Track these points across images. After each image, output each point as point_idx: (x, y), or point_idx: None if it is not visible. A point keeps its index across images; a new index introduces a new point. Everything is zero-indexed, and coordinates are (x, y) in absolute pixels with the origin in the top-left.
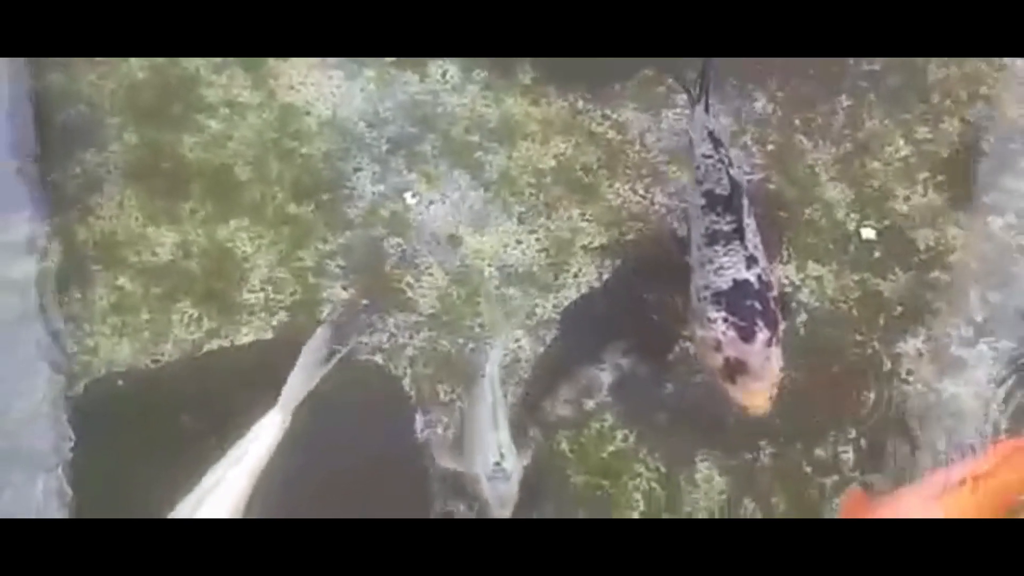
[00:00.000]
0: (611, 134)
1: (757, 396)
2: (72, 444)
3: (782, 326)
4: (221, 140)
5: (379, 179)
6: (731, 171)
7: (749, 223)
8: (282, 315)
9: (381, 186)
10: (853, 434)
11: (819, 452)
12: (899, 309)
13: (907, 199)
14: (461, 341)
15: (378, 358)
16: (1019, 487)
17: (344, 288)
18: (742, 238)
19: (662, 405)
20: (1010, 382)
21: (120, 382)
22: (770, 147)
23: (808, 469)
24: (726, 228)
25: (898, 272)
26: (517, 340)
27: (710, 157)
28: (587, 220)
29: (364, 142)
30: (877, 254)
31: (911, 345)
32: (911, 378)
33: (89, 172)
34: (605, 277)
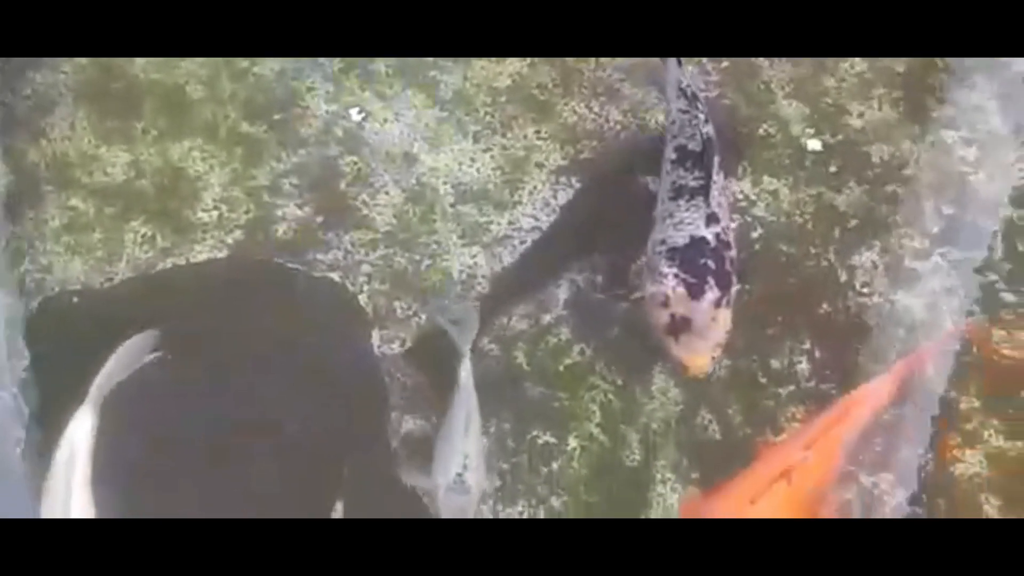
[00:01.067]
0: None
1: (698, 356)
2: (27, 362)
3: (735, 288)
4: (173, 60)
5: (332, 98)
6: (704, 128)
7: (716, 180)
8: (237, 234)
9: (335, 105)
10: (808, 345)
11: (774, 363)
12: (854, 222)
13: (862, 115)
14: (417, 258)
15: (334, 275)
16: (830, 474)
17: (299, 206)
18: (706, 195)
19: (618, 319)
20: (963, 293)
21: (74, 299)
22: (725, 64)
23: (763, 380)
24: (692, 184)
25: (853, 186)
26: (473, 256)
27: (685, 112)
28: (542, 138)
29: (317, 61)
30: (832, 168)
31: (866, 258)
32: (866, 290)
33: (40, 93)
34: (560, 194)
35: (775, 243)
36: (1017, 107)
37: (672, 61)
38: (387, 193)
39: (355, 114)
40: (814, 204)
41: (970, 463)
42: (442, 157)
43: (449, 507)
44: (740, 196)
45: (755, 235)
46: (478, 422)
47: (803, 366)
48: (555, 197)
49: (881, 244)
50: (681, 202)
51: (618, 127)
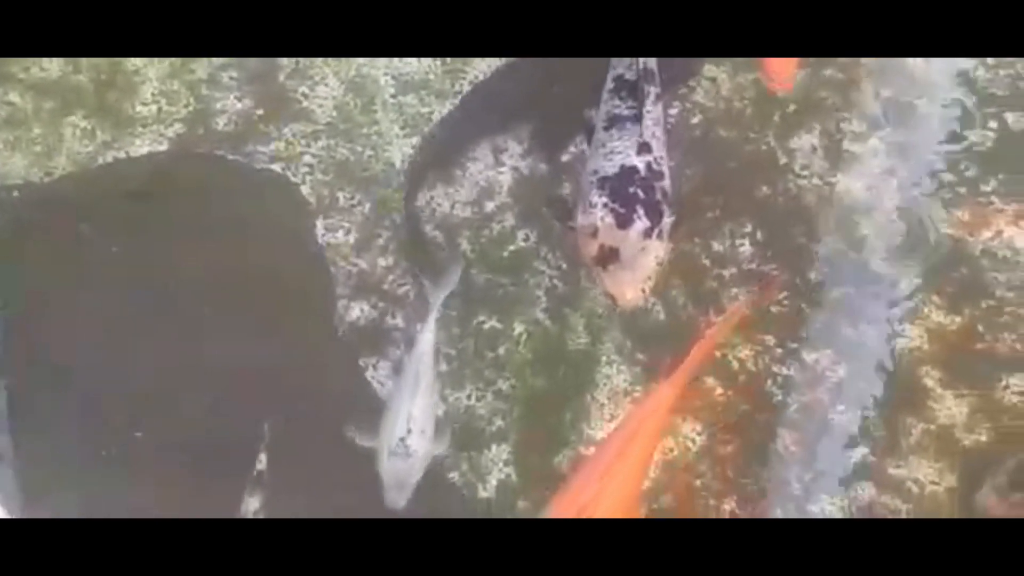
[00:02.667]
0: None
1: (628, 288)
2: None
3: (668, 219)
4: None
5: None
6: (643, 59)
7: (651, 111)
8: (177, 127)
9: None
10: (749, 228)
11: (716, 246)
12: (792, 107)
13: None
14: (359, 148)
15: (276, 167)
16: (657, 440)
17: (238, 99)
18: (639, 123)
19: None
20: (901, 173)
21: (16, 194)
22: None
23: (706, 262)
24: (625, 112)
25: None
26: (415, 146)
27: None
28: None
29: None
30: None
31: (805, 141)
32: (805, 173)
33: None
34: (504, 82)
35: (715, 128)
36: None
37: None
38: (327, 85)
39: None
40: (753, 89)
41: (911, 337)
42: None
43: (392, 471)
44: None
45: (695, 121)
46: (429, 385)
47: (745, 248)
48: (499, 84)
49: (820, 127)
50: (613, 131)
51: None
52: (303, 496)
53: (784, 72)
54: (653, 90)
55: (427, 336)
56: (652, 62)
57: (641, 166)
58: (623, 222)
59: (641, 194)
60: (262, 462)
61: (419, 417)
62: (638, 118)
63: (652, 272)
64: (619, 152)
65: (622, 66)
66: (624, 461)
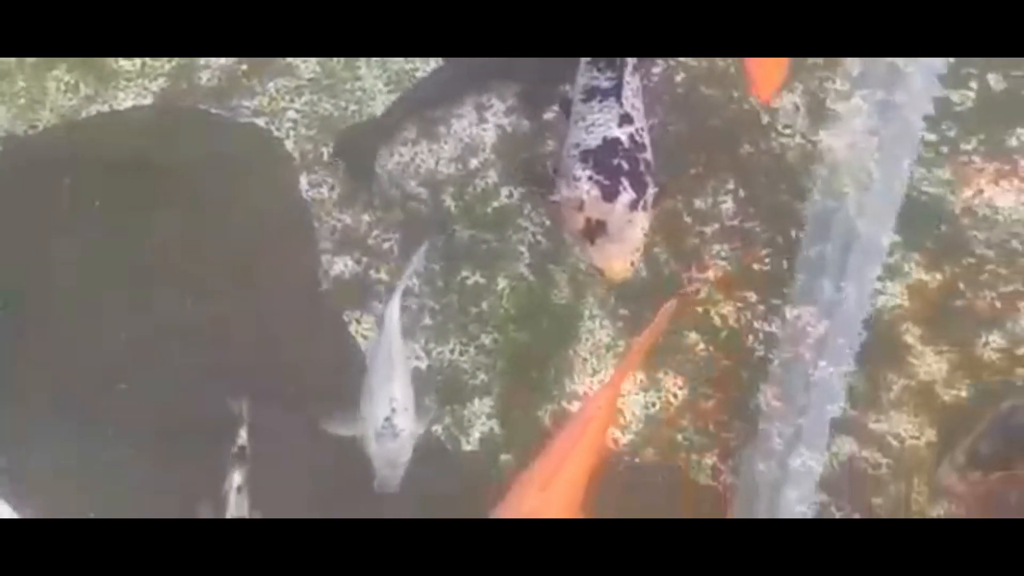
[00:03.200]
0: None
1: (616, 260)
2: None
3: (652, 190)
4: None
5: None
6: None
7: (630, 82)
8: (161, 81)
9: None
10: (731, 185)
11: (698, 203)
12: None
13: None
14: (343, 104)
15: (260, 121)
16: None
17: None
18: (619, 95)
19: (545, 162)
20: (883, 132)
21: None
22: None
23: (688, 219)
24: (604, 84)
25: None
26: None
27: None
28: None
29: None
30: None
31: (787, 100)
32: (788, 131)
33: None
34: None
35: (698, 86)
36: None
37: None
38: None
39: None
40: None
41: (891, 295)
42: None
43: (381, 453)
44: None
45: (679, 79)
46: (403, 364)
47: (727, 205)
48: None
49: (803, 86)
50: (593, 104)
51: None
52: (287, 469)
53: (769, 84)
54: (631, 60)
55: (394, 313)
56: None
57: (624, 138)
58: (609, 195)
59: (625, 166)
60: (242, 438)
61: (400, 396)
62: (618, 89)
63: (639, 243)
64: (601, 124)
65: None
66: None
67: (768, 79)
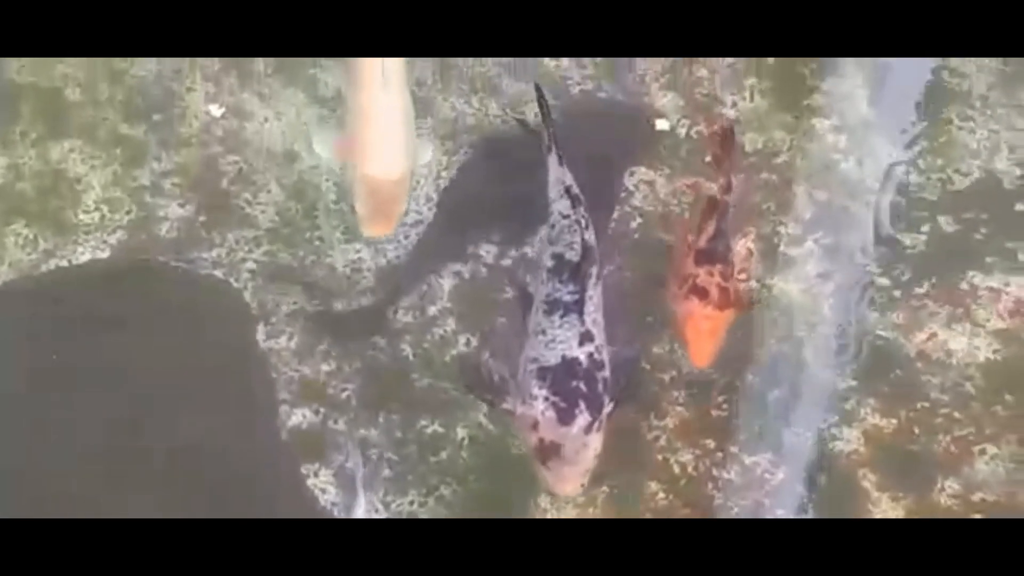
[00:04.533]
0: None
1: (568, 483)
2: None
3: (608, 409)
4: (50, 63)
5: (212, 98)
6: (585, 234)
7: (592, 296)
8: (119, 234)
9: (222, 104)
10: None
11: (656, 350)
12: (729, 211)
13: (735, 104)
14: (301, 254)
15: (218, 273)
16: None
17: (181, 206)
18: (581, 312)
19: (502, 309)
20: (837, 276)
21: None
22: (599, 58)
23: (646, 366)
24: (567, 298)
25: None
26: (357, 252)
27: (566, 216)
28: (422, 133)
29: (196, 61)
30: (707, 158)
31: (741, 244)
32: (742, 276)
33: None
34: (442, 188)
35: (653, 232)
36: (885, 94)
37: (554, 159)
38: (269, 191)
39: (215, 109)
40: (690, 194)
41: (848, 440)
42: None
43: None
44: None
45: (634, 225)
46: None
47: (683, 354)
48: (436, 191)
49: (756, 231)
50: (555, 318)
51: (498, 121)
52: None
53: (703, 351)
54: (594, 270)
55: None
56: (592, 237)
57: (583, 357)
58: (565, 418)
59: (583, 387)
60: None
61: None
62: (580, 304)
63: (592, 463)
64: (561, 342)
65: (561, 243)
66: None
67: (704, 349)
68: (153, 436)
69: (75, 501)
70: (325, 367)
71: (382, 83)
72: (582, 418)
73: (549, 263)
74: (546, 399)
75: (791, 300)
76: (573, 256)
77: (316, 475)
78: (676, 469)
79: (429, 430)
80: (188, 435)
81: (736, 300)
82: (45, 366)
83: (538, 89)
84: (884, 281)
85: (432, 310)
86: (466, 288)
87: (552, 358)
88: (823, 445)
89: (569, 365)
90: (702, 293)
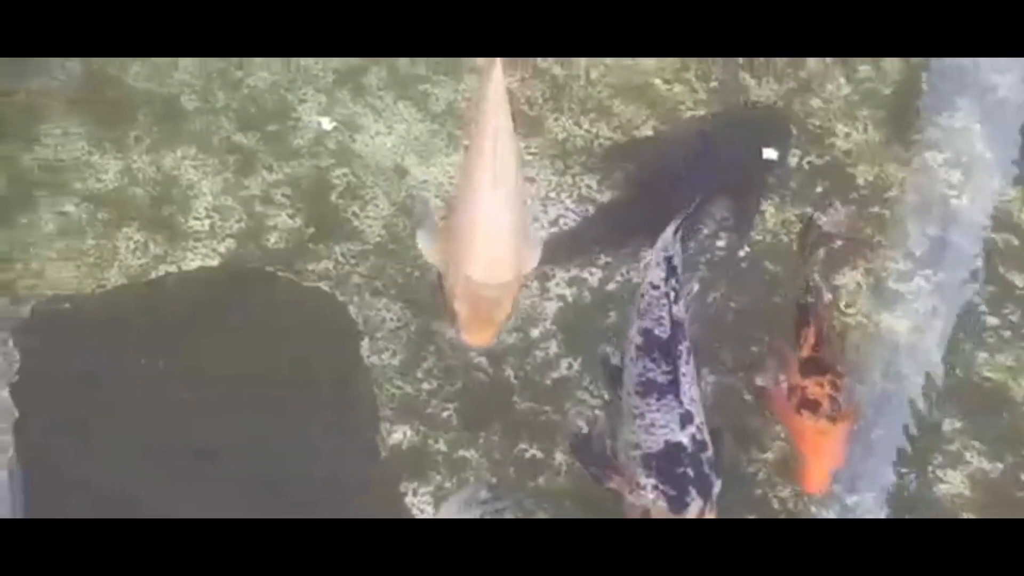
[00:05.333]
0: (556, 69)
1: None
2: (18, 365)
3: (717, 487)
4: (167, 70)
5: (325, 110)
6: (674, 308)
7: (686, 372)
8: (229, 242)
9: (327, 117)
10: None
11: (760, 381)
12: (839, 243)
13: (848, 136)
14: (408, 270)
15: (324, 285)
16: None
17: (290, 217)
18: (677, 392)
19: (605, 335)
20: (946, 315)
21: (66, 305)
22: (714, 84)
23: (749, 398)
24: (661, 379)
25: (838, 206)
26: None
27: (657, 288)
28: (532, 153)
29: (310, 73)
30: (818, 189)
31: (850, 278)
32: (850, 310)
33: (34, 100)
34: (550, 209)
35: (761, 262)
36: (1000, 130)
37: (669, 230)
38: (377, 205)
39: (325, 123)
40: (800, 224)
41: (952, 483)
42: (432, 170)
43: None
44: (727, 215)
45: (742, 254)
46: None
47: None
48: (545, 211)
49: (865, 265)
50: (651, 400)
51: (608, 143)
52: None
53: (819, 474)
54: (684, 346)
55: None
56: (681, 311)
57: (686, 441)
58: (677, 507)
59: (691, 472)
60: None
61: None
62: (675, 385)
63: None
64: (662, 426)
65: (649, 318)
66: None
67: (820, 471)
68: (253, 447)
69: (168, 504)
70: (427, 385)
71: (492, 183)
72: (694, 505)
73: (638, 339)
74: (655, 487)
75: (898, 337)
76: (662, 333)
77: (415, 493)
78: (775, 504)
79: (528, 454)
80: (288, 448)
81: (852, 410)
82: (147, 371)
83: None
84: (994, 320)
85: (535, 332)
86: (570, 311)
87: (654, 444)
88: (927, 487)
89: (674, 451)
90: (813, 406)
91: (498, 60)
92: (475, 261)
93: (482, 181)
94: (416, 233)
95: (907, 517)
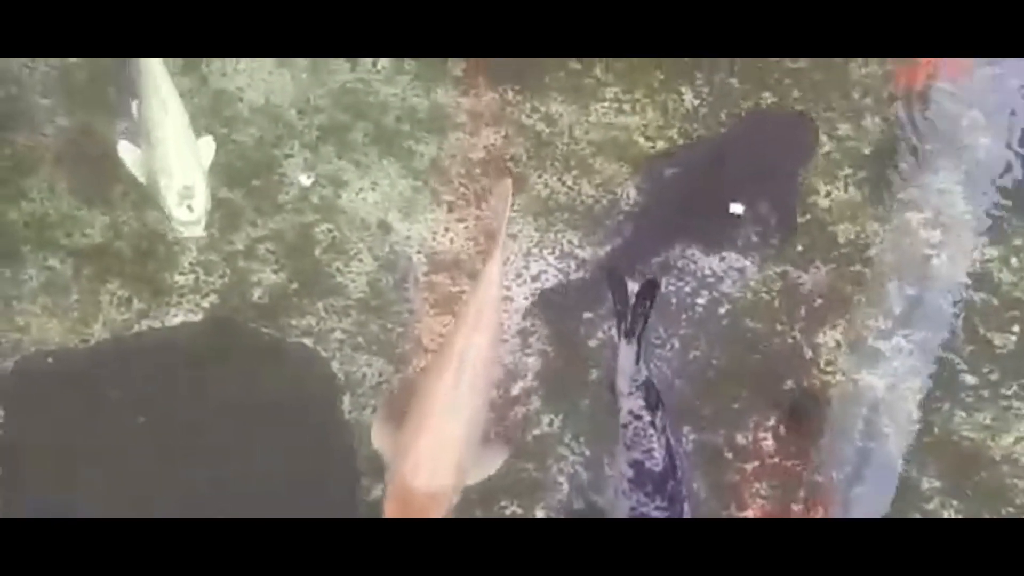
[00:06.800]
0: (540, 126)
1: None
2: (1, 419)
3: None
4: None
5: (310, 166)
6: (668, 439)
7: (685, 508)
8: (212, 297)
9: (312, 173)
10: (772, 421)
11: (740, 438)
12: (819, 301)
13: (829, 195)
14: (389, 326)
15: (307, 340)
16: None
17: (274, 272)
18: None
19: (587, 390)
20: (925, 374)
21: (50, 360)
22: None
23: (729, 455)
24: (656, 514)
25: (819, 265)
26: (445, 325)
27: (640, 417)
28: (515, 210)
29: (295, 129)
30: (799, 247)
31: (830, 336)
32: (830, 368)
33: (21, 154)
34: (532, 265)
35: (741, 319)
36: (980, 191)
37: (628, 350)
38: (361, 261)
39: (304, 179)
40: (780, 281)
41: None
42: (416, 227)
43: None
44: (708, 272)
45: (722, 311)
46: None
47: (768, 442)
48: (527, 268)
49: (845, 323)
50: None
51: (590, 200)
52: None
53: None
54: (681, 469)
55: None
56: (671, 439)
57: None
58: None
59: None
60: None
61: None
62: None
63: None
64: None
65: (638, 450)
66: None
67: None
68: (228, 501)
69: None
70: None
71: (454, 384)
72: None
73: (628, 472)
74: None
75: (877, 395)
76: (654, 466)
77: None
78: None
79: (508, 510)
80: (265, 502)
81: None
82: (130, 426)
83: (612, 276)
84: (972, 380)
85: (516, 388)
86: (551, 367)
87: None
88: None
89: None
90: None
91: (497, 261)
92: (415, 465)
93: (446, 378)
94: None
95: None
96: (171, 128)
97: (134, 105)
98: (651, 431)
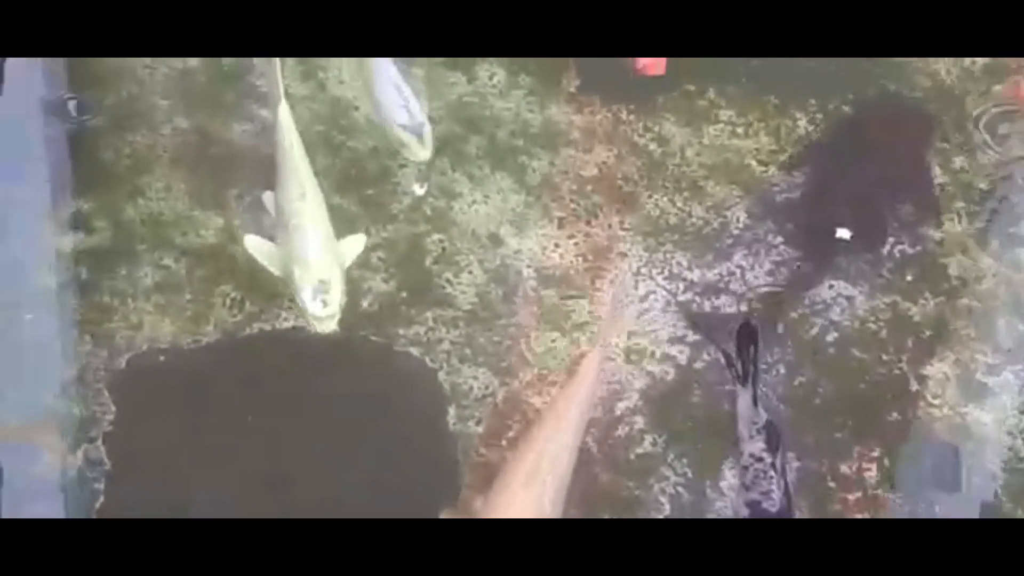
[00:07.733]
0: (652, 146)
1: None
2: (112, 416)
3: None
4: (270, 129)
5: (424, 177)
6: (787, 481)
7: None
8: None
9: (426, 183)
10: (877, 452)
11: (843, 468)
12: (927, 333)
13: (941, 226)
14: (497, 339)
15: (415, 350)
16: None
17: (384, 281)
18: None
19: (690, 412)
20: None
21: (161, 358)
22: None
23: (832, 484)
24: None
25: (928, 297)
26: (553, 341)
27: (761, 460)
28: (625, 229)
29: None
30: (909, 278)
31: (938, 369)
32: (937, 401)
33: (139, 154)
34: (641, 285)
35: (848, 348)
36: None
37: (746, 396)
38: (471, 272)
39: (417, 188)
40: (889, 312)
41: None
42: (527, 241)
43: None
44: (817, 300)
45: (830, 339)
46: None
47: (871, 473)
48: (636, 288)
49: (954, 356)
50: None
51: (700, 223)
52: None
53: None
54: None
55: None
56: (788, 482)
57: None
58: None
59: None
60: None
61: None
62: None
63: None
64: None
65: (756, 491)
66: None
67: None
68: (331, 506)
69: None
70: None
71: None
72: None
73: (744, 511)
74: None
75: (985, 431)
76: (771, 507)
77: None
78: None
79: None
80: (368, 509)
81: None
82: (238, 426)
83: (744, 328)
84: None
85: (620, 407)
86: (656, 388)
87: None
88: None
89: None
90: None
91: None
92: None
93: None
94: None
95: None
96: (308, 216)
97: (269, 198)
98: (771, 473)
